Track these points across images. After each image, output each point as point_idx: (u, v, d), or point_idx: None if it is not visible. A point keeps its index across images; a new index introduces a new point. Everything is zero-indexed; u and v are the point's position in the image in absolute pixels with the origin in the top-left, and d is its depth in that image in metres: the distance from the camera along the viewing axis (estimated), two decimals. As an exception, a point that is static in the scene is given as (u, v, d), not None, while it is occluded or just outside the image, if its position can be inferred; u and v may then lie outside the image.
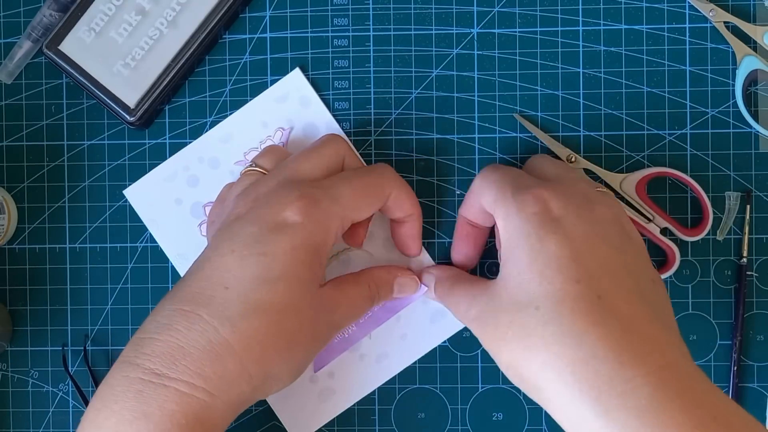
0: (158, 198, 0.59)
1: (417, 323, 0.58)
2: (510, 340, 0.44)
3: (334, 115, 0.59)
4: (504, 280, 0.46)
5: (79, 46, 0.59)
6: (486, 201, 0.50)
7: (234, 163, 0.58)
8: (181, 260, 0.58)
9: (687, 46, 0.60)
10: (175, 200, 0.58)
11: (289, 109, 0.58)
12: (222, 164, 0.58)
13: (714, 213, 0.59)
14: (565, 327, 0.42)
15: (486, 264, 0.60)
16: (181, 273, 0.58)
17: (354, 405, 0.60)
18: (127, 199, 0.61)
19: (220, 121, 0.61)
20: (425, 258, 0.58)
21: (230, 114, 0.58)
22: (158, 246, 0.61)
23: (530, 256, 0.45)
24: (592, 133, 0.60)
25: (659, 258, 0.60)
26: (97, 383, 0.61)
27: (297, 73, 0.58)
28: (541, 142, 0.60)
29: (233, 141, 0.58)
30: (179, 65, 0.59)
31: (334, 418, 0.60)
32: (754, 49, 0.59)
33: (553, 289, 0.44)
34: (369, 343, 0.58)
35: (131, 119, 0.59)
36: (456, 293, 0.51)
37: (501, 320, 0.44)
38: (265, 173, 0.52)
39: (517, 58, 0.60)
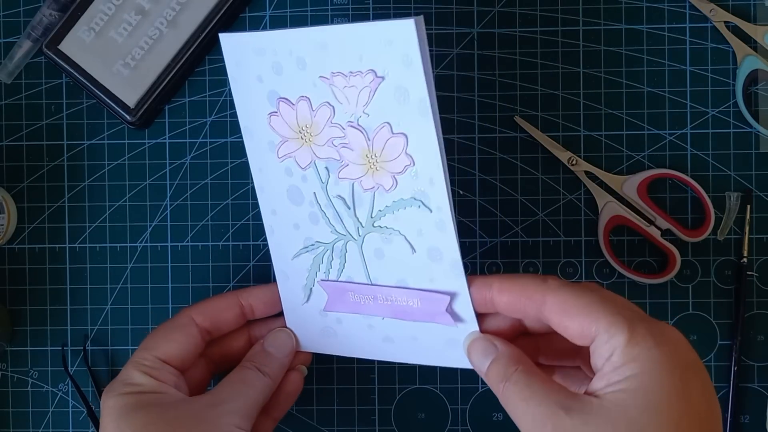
0: (245, 63, 0.51)
1: (432, 336, 0.51)
2: None
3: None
4: (621, 407, 0.41)
5: (78, 45, 0.59)
6: (601, 322, 0.43)
7: (319, 76, 0.48)
8: (247, 133, 0.53)
9: (687, 46, 0.60)
10: (257, 76, 0.51)
11: (389, 58, 0.45)
12: (309, 69, 0.48)
13: (714, 213, 0.59)
14: None
15: (486, 264, 0.60)
16: (246, 146, 0.53)
17: (354, 405, 0.60)
18: (127, 199, 0.61)
19: (221, 121, 0.61)
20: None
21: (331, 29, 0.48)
22: (158, 246, 0.61)
23: (670, 396, 0.41)
24: (592, 133, 0.60)
25: (660, 259, 0.60)
26: (96, 383, 0.61)
27: (409, 24, 0.43)
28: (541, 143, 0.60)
29: (326, 53, 0.47)
30: (179, 65, 0.59)
31: (334, 418, 0.60)
32: (755, 48, 0.59)
33: None
34: (380, 322, 0.53)
35: (131, 119, 0.59)
36: (534, 388, 0.44)
37: None
38: None
39: (517, 58, 0.60)
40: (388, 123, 0.47)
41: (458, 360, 0.50)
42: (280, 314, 0.56)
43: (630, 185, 0.59)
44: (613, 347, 0.42)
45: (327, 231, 0.52)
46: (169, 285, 0.61)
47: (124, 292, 0.61)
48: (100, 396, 0.60)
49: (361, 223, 0.51)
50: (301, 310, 0.55)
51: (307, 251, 0.53)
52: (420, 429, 0.60)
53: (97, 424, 0.60)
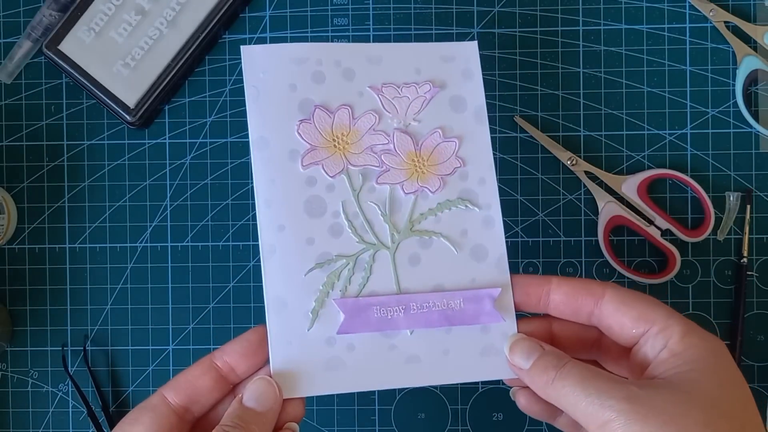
0: (274, 71, 0.52)
1: (465, 347, 0.50)
2: None
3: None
4: (694, 383, 0.43)
5: (78, 46, 0.59)
6: (657, 313, 0.46)
7: (368, 86, 0.52)
8: (260, 143, 0.51)
9: (687, 46, 0.60)
10: (290, 84, 0.52)
11: (449, 72, 0.53)
12: (356, 80, 0.52)
13: (714, 213, 0.59)
14: None
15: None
16: (255, 158, 0.50)
17: (354, 405, 0.60)
18: (127, 199, 0.61)
19: (221, 121, 0.61)
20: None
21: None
22: (158, 246, 0.61)
23: (734, 379, 0.44)
24: (592, 133, 0.60)
25: (660, 259, 0.60)
26: (96, 383, 0.61)
27: (473, 45, 0.53)
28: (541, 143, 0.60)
29: (380, 66, 0.53)
30: (179, 65, 0.59)
31: (334, 418, 0.60)
32: (755, 48, 0.59)
33: (755, 419, 0.44)
34: (407, 338, 0.49)
35: (131, 119, 0.59)
36: (593, 371, 0.44)
37: (691, 414, 0.41)
38: None
39: (517, 58, 0.60)
40: (440, 128, 0.52)
41: (493, 369, 0.50)
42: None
43: (630, 185, 0.59)
44: (669, 336, 0.44)
45: (351, 242, 0.50)
46: (169, 285, 0.61)
47: (124, 292, 0.61)
48: (100, 396, 0.61)
49: (396, 230, 0.51)
50: (300, 342, 0.49)
51: (321, 268, 0.50)
52: (420, 429, 0.60)
53: (97, 425, 0.60)
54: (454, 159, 0.52)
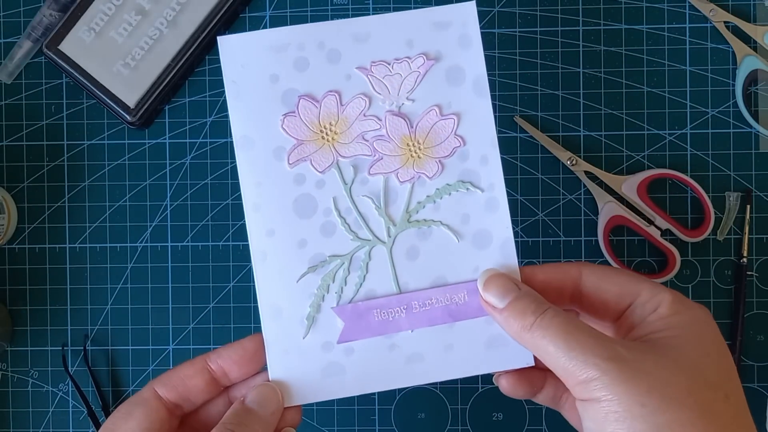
0: (254, 63, 0.49)
1: (470, 340, 0.48)
2: (687, 405, 0.41)
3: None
4: (680, 349, 0.42)
5: (79, 46, 0.59)
6: (642, 284, 0.45)
7: (356, 67, 0.49)
8: (244, 143, 0.48)
9: (687, 46, 0.60)
10: (271, 75, 0.49)
11: (444, 40, 0.49)
12: (343, 62, 0.49)
13: (714, 213, 0.59)
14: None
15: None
16: (239, 160, 0.48)
17: (354, 405, 0.60)
18: (127, 199, 0.61)
19: (221, 121, 0.61)
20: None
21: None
22: (158, 246, 0.61)
23: (719, 348, 0.43)
24: (592, 133, 0.60)
25: (660, 259, 0.60)
26: (96, 383, 0.61)
27: (471, 6, 0.49)
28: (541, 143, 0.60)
29: (367, 43, 0.49)
30: (179, 65, 0.59)
31: (334, 418, 0.60)
32: (755, 49, 0.59)
33: (738, 390, 0.43)
34: (408, 336, 0.48)
35: (131, 119, 0.59)
36: (576, 323, 0.43)
37: (676, 381, 0.41)
38: None
39: (517, 58, 0.60)
40: (437, 106, 0.49)
41: (500, 361, 0.48)
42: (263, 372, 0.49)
43: (630, 185, 0.59)
44: (658, 302, 0.44)
45: (345, 240, 0.49)
46: (169, 285, 0.61)
47: (124, 292, 0.61)
48: (100, 396, 0.61)
49: (393, 222, 0.49)
50: (297, 350, 0.48)
51: (314, 271, 0.48)
52: (420, 429, 0.60)
53: (97, 424, 0.60)
54: (453, 138, 0.49)
